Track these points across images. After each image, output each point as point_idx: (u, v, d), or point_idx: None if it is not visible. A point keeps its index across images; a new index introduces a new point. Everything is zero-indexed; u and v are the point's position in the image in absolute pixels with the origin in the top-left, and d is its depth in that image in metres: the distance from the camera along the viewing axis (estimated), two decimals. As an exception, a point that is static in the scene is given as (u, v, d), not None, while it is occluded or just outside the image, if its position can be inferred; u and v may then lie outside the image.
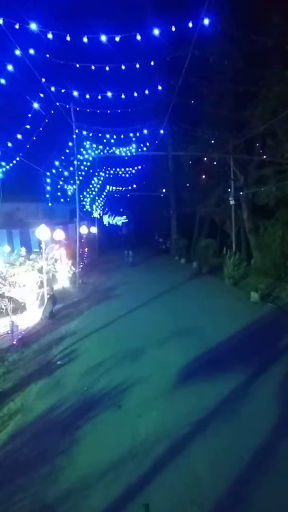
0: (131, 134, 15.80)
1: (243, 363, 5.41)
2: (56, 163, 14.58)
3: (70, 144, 13.91)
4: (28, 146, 10.48)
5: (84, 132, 14.89)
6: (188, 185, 22.32)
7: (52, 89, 10.29)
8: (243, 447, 3.42)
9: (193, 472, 3.11)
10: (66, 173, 15.34)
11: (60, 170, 14.92)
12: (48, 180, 14.66)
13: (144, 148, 17.84)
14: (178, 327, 7.43)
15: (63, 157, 14.48)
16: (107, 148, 17.01)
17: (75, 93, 10.85)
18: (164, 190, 26.44)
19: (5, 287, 7.74)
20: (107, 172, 25.32)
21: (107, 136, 15.80)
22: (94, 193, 23.40)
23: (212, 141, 15.88)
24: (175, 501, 2.81)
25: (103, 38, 7.24)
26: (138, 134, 15.96)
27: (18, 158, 10.54)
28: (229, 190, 15.01)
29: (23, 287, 8.25)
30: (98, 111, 12.82)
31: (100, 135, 15.49)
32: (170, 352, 6.03)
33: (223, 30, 12.22)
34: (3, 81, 7.93)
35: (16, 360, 5.95)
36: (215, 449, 3.41)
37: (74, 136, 13.28)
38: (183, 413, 4.05)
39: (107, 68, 9.03)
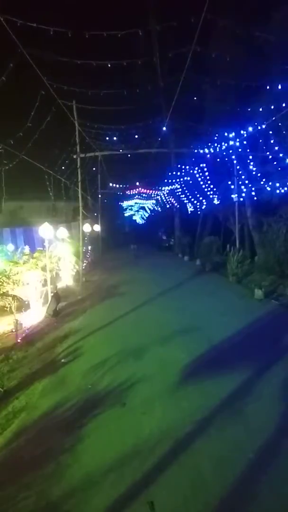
0: (133, 131, 15.72)
1: (247, 361, 5.39)
2: (59, 161, 14.56)
3: (72, 141, 13.89)
4: (30, 144, 10.46)
5: (87, 130, 14.84)
6: (190, 182, 22.22)
7: (54, 86, 10.25)
8: (248, 445, 3.41)
9: (198, 470, 3.11)
10: (69, 171, 15.33)
11: (63, 168, 14.90)
12: (51, 178, 14.68)
13: (147, 146, 17.72)
14: (182, 325, 7.41)
15: (65, 155, 14.45)
16: (110, 145, 16.96)
17: (77, 90, 10.81)
18: (167, 188, 26.35)
19: (9, 285, 7.76)
20: (110, 169, 25.28)
21: (110, 133, 15.74)
22: (97, 190, 23.37)
23: (215, 138, 15.79)
24: (180, 498, 2.80)
25: (105, 34, 7.19)
26: (140, 132, 15.88)
27: (21, 156, 10.54)
28: (233, 187, 14.94)
29: (27, 285, 8.28)
30: (100, 108, 12.76)
31: (102, 132, 15.43)
32: (174, 350, 6.03)
33: (227, 26, 12.11)
34: (4, 79, 7.91)
35: (20, 358, 5.97)
36: (219, 447, 3.40)
37: (76, 133, 13.25)
38: (187, 411, 4.04)
39: (109, 65, 8.98)
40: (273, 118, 11.16)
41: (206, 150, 15.89)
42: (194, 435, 3.59)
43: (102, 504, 2.77)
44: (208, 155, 16.98)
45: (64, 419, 4.06)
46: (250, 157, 14.81)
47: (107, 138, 16.15)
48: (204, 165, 17.28)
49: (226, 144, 14.64)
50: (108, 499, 2.81)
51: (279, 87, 10.59)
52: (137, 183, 27.39)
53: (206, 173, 17.81)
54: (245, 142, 14.21)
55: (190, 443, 3.47)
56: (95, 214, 22.88)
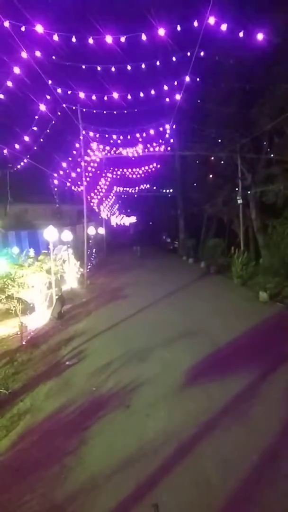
0: (138, 135, 15.79)
1: (252, 363, 5.36)
2: (64, 164, 14.65)
3: (77, 145, 13.99)
4: (35, 148, 10.55)
5: (91, 133, 14.94)
6: (195, 184, 22.25)
7: (59, 90, 10.34)
8: (251, 447, 3.39)
9: (202, 472, 3.09)
10: (73, 174, 15.42)
11: (67, 171, 15.00)
12: (55, 181, 14.76)
13: (151, 149, 17.76)
14: (187, 327, 7.40)
15: (70, 158, 14.56)
16: (114, 148, 17.04)
17: (82, 95, 10.88)
18: (171, 190, 26.39)
19: (14, 288, 7.79)
20: (115, 172, 25.35)
21: (114, 136, 15.82)
22: (101, 193, 23.46)
23: (219, 140, 15.79)
24: (184, 500, 2.79)
25: (109, 39, 7.24)
26: (145, 135, 15.94)
27: (26, 160, 10.62)
28: (237, 189, 14.91)
29: (31, 288, 8.31)
30: (105, 112, 12.85)
31: (107, 135, 15.53)
32: (179, 352, 6.02)
33: (230, 28, 12.11)
34: (10, 83, 8.00)
35: (25, 360, 5.99)
36: (223, 449, 3.39)
37: (81, 137, 13.34)
38: (192, 414, 4.03)
39: (112, 69, 9.04)
40: (276, 121, 11.14)
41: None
42: (198, 437, 3.58)
43: (106, 507, 2.77)
44: (212, 158, 16.98)
45: (68, 421, 4.07)
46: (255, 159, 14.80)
47: (111, 141, 16.23)
48: (209, 166, 17.28)
49: (230, 146, 14.65)
50: (112, 501, 2.81)
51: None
52: (141, 186, 27.47)
53: (210, 175, 17.81)
54: (249, 144, 14.21)
55: (194, 445, 3.46)
56: (100, 217, 22.96)
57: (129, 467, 3.20)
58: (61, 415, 4.21)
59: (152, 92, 12.20)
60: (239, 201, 14.50)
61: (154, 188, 27.84)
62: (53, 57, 8.54)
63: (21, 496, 2.92)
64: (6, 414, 4.28)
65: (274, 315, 8.16)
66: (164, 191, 27.19)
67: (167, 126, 16.02)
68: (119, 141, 16.34)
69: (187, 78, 9.92)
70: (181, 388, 4.73)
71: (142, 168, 25.45)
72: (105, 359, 5.84)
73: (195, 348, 6.12)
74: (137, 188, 29.51)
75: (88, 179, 15.98)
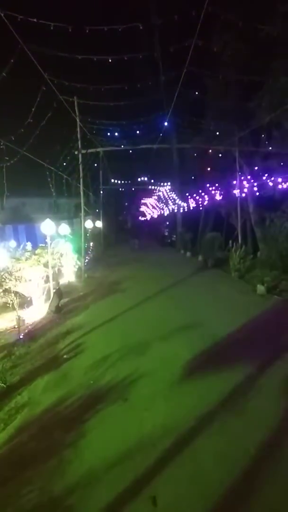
0: (135, 127, 15.62)
1: (250, 356, 5.38)
2: (61, 157, 14.49)
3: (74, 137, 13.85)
4: (31, 141, 10.40)
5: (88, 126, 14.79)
6: (193, 177, 22.18)
7: (55, 82, 10.18)
8: (249, 440, 3.41)
9: (200, 465, 3.11)
10: (70, 167, 15.27)
11: (64, 164, 14.84)
12: (53, 174, 14.60)
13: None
14: (184, 321, 7.40)
15: (67, 151, 14.38)
16: (111, 141, 16.90)
17: (78, 86, 10.72)
18: (169, 183, 26.27)
19: (11, 281, 7.76)
20: (112, 165, 25.17)
21: (111, 129, 15.67)
22: (99, 187, 23.31)
23: (217, 133, 15.70)
24: (182, 493, 2.81)
25: (105, 28, 7.13)
26: (142, 127, 15.78)
27: (22, 153, 10.48)
28: (235, 182, 14.87)
29: (29, 282, 8.28)
30: (102, 104, 12.68)
31: (103, 128, 15.37)
32: (176, 346, 6.02)
33: (229, 20, 11.96)
34: (5, 74, 7.85)
35: (23, 354, 5.99)
36: (221, 442, 3.41)
37: (78, 129, 13.21)
38: (190, 407, 4.05)
39: (109, 60, 8.90)
40: (274, 114, 11.07)
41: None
42: (196, 430, 3.60)
43: (105, 499, 2.78)
44: (210, 151, 16.89)
45: (66, 415, 4.07)
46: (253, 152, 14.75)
47: (109, 134, 16.07)
48: (207, 159, 17.21)
49: (228, 139, 14.58)
50: (111, 494, 2.83)
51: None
52: (139, 179, 27.29)
53: (208, 168, 17.75)
54: (247, 137, 14.15)
55: (193, 438, 3.48)
56: (97, 210, 22.83)
57: (127, 460, 3.21)
58: (59, 408, 4.21)
59: (150, 83, 12.04)
60: (237, 195, 14.47)
61: (152, 181, 27.66)
62: (50, 48, 8.38)
63: (19, 489, 2.93)
64: (3, 407, 4.28)
65: (271, 308, 8.18)
66: (162, 184, 27.04)
67: (165, 120, 15.87)
68: (116, 134, 16.17)
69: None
70: (179, 381, 4.74)
71: (140, 161, 25.23)
72: (103, 352, 5.84)
73: (193, 341, 6.13)
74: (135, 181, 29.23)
75: (85, 171, 15.84)
